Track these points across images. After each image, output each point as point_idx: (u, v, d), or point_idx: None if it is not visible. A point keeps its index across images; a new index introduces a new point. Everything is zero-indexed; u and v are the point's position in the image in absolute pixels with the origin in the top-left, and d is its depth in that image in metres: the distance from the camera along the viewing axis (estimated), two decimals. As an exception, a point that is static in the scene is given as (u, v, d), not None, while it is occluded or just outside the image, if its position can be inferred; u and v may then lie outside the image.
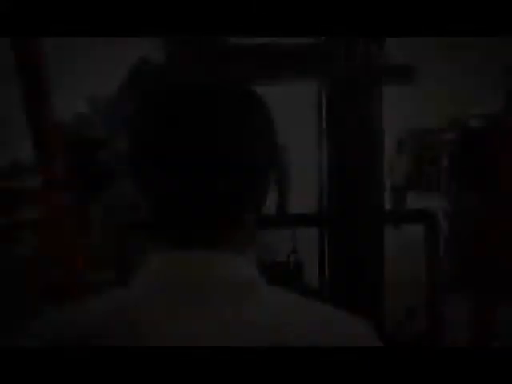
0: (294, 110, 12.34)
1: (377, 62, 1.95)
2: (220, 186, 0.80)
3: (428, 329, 1.91)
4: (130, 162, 0.85)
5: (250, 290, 0.82)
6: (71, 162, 1.70)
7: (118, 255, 2.25)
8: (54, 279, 1.60)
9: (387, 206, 8.96)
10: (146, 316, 0.80)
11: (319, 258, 2.17)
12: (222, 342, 0.78)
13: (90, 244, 1.77)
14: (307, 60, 1.84)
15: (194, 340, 0.78)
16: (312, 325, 0.81)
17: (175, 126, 0.80)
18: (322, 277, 2.17)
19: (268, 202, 0.93)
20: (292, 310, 0.83)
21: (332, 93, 2.11)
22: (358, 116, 2.02)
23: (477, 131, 1.89)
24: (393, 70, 1.98)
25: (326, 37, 1.71)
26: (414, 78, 1.99)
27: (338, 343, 0.79)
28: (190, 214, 0.82)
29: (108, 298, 0.86)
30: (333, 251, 2.18)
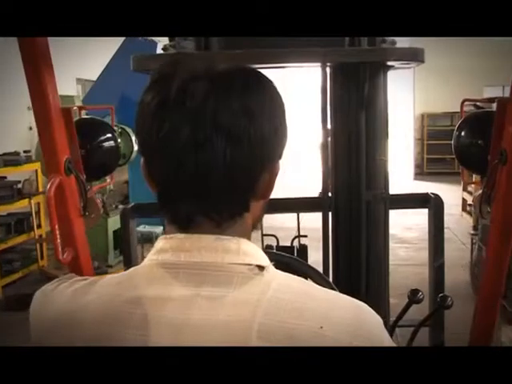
0: (298, 94, 12.27)
1: (381, 46, 1.93)
2: (228, 171, 0.80)
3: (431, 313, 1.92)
4: (140, 146, 0.86)
5: (256, 274, 0.83)
6: (77, 145, 1.71)
7: (123, 237, 2.26)
8: (68, 258, 1.62)
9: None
10: (147, 293, 0.82)
11: (323, 242, 2.17)
12: (218, 318, 0.79)
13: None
14: (312, 44, 1.83)
15: (190, 319, 0.79)
16: (315, 309, 0.81)
17: (183, 111, 0.80)
18: (325, 261, 2.18)
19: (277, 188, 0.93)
20: (296, 294, 0.83)
21: (337, 77, 2.10)
22: (363, 100, 2.01)
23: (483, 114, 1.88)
24: (398, 53, 1.96)
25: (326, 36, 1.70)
26: (421, 61, 1.98)
27: (341, 329, 0.80)
28: (197, 199, 0.82)
29: (121, 274, 0.88)
30: (337, 236, 2.18)
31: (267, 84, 0.87)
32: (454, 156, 1.86)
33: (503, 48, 11.69)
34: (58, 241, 1.58)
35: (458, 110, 1.90)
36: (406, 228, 8.07)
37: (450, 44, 12.16)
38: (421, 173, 14.24)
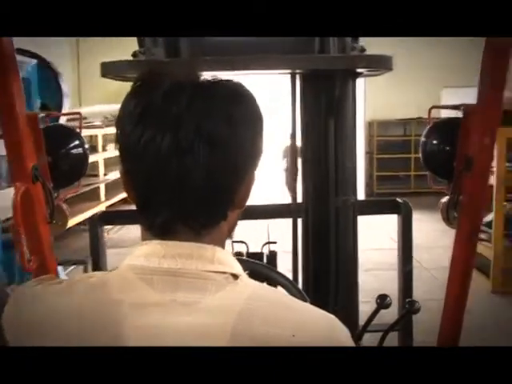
0: (267, 101, 12.30)
1: (351, 53, 1.95)
2: (208, 179, 0.81)
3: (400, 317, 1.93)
4: (121, 153, 0.86)
5: (230, 282, 0.84)
6: (44, 152, 1.68)
7: (92, 247, 2.24)
8: (33, 266, 1.59)
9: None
10: (120, 298, 0.81)
11: (293, 248, 2.18)
12: (191, 324, 0.79)
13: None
14: (281, 50, 1.84)
15: (163, 324, 0.79)
16: (288, 318, 0.82)
17: (166, 118, 0.80)
18: (295, 267, 2.18)
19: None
20: (269, 303, 0.84)
21: (306, 84, 2.11)
22: (332, 107, 2.02)
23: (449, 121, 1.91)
24: (367, 60, 1.98)
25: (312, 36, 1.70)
26: (390, 69, 2.00)
27: (313, 339, 0.81)
28: (176, 206, 0.83)
29: (95, 279, 0.87)
30: (306, 242, 2.19)
31: (248, 95, 0.88)
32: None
33: (463, 45, 9.77)
34: (25, 248, 1.56)
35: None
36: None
37: (403, 40, 9.57)
38: (370, 194, 11.28)
